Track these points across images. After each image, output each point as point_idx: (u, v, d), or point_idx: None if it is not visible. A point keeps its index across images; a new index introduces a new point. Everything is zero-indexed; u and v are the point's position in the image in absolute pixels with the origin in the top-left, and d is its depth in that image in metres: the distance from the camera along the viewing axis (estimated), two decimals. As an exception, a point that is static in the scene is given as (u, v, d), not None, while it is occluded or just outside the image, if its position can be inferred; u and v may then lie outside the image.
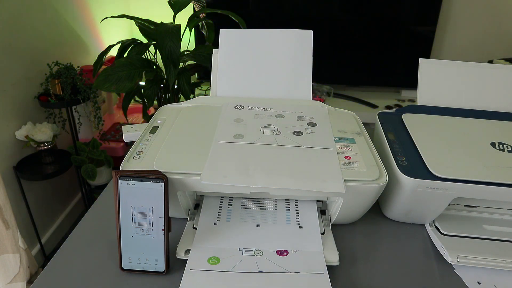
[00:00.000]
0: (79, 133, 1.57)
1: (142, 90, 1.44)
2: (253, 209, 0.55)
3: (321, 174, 0.48)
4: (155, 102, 1.53)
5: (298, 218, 0.53)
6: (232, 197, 0.57)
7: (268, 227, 0.52)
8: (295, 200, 0.56)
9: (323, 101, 1.90)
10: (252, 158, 0.51)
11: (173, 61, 1.30)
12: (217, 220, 0.53)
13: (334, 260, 0.48)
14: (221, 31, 0.72)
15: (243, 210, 0.55)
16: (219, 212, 0.54)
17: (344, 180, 0.48)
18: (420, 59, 0.70)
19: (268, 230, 0.51)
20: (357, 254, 0.53)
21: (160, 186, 0.46)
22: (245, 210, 0.55)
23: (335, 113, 0.66)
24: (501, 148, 0.56)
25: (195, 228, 0.52)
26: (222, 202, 0.56)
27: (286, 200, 0.56)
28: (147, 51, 1.43)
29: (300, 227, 0.52)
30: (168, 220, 0.47)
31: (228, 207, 0.55)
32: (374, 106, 1.94)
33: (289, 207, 0.55)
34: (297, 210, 0.55)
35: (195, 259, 0.47)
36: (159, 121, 0.62)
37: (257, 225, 0.52)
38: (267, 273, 0.45)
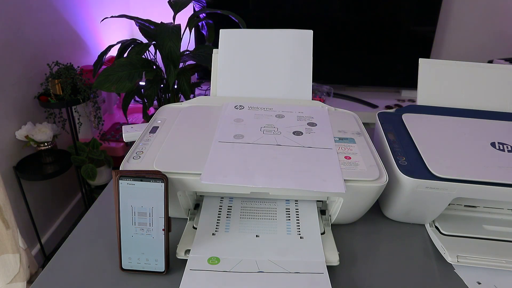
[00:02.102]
0: (79, 133, 1.57)
1: (142, 90, 1.44)
2: (253, 218, 0.53)
3: (321, 174, 0.48)
4: (155, 102, 1.53)
5: (299, 228, 0.52)
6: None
7: (268, 237, 0.50)
8: (296, 208, 0.55)
9: (323, 101, 1.91)
10: (252, 158, 0.51)
11: (173, 61, 1.30)
12: (216, 230, 0.52)
13: (334, 260, 0.48)
14: (221, 31, 0.72)
15: (242, 220, 0.53)
16: (217, 221, 0.53)
17: (344, 180, 0.48)
18: (420, 59, 0.70)
19: (268, 241, 0.50)
20: (357, 254, 0.53)
21: (160, 186, 0.46)
22: (244, 220, 0.53)
23: (335, 113, 0.66)
24: (501, 148, 0.56)
25: (195, 228, 0.52)
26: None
27: (286, 208, 0.55)
28: (147, 51, 1.43)
29: (301, 237, 0.51)
30: (168, 220, 0.47)
31: (227, 217, 0.53)
32: (374, 106, 1.94)
33: (289, 216, 0.54)
34: (298, 219, 0.53)
35: (195, 259, 0.47)
36: (159, 121, 0.62)
37: (256, 236, 0.51)
38: (267, 273, 0.45)
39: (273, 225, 0.52)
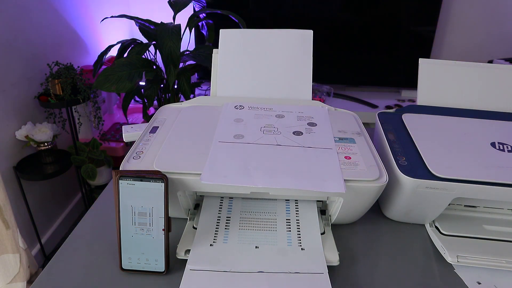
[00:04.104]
0: (79, 133, 1.57)
1: (142, 90, 1.44)
2: (252, 230, 0.52)
3: (321, 174, 0.48)
4: (155, 102, 1.53)
5: (300, 239, 0.51)
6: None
7: (268, 249, 0.49)
8: (297, 219, 0.54)
9: (323, 101, 1.90)
10: (252, 158, 0.51)
11: (173, 61, 1.30)
12: (214, 241, 0.50)
13: (334, 260, 0.48)
14: (221, 31, 0.72)
15: (241, 230, 0.52)
16: (216, 231, 0.51)
17: (344, 180, 0.48)
18: (420, 59, 0.70)
19: (268, 252, 0.48)
20: (357, 254, 0.53)
21: (160, 186, 0.46)
22: (243, 231, 0.52)
23: (335, 113, 0.66)
24: (501, 148, 0.56)
25: (195, 228, 0.52)
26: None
27: (287, 219, 0.54)
28: (147, 51, 1.43)
29: (302, 248, 0.49)
30: (168, 220, 0.47)
31: (226, 228, 0.52)
32: (374, 106, 1.94)
33: (290, 226, 0.52)
34: (298, 228, 0.52)
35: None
36: (159, 121, 0.62)
37: (256, 247, 0.49)
38: (267, 273, 0.45)
39: (273, 236, 0.51)
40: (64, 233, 1.65)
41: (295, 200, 0.57)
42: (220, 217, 0.54)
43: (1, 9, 1.24)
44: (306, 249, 0.49)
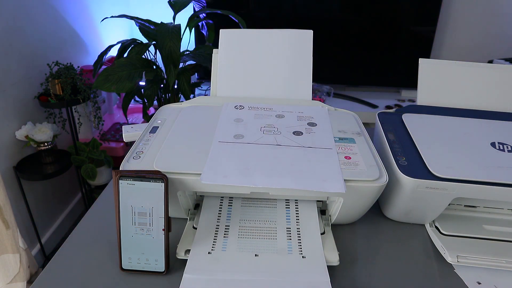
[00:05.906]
0: (79, 133, 1.57)
1: (142, 90, 1.44)
2: (252, 238, 0.51)
3: (321, 174, 0.48)
4: (155, 102, 1.53)
5: (300, 246, 0.50)
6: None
7: (268, 257, 0.48)
8: (297, 228, 0.53)
9: (323, 101, 1.90)
10: (252, 158, 0.51)
11: (173, 61, 1.31)
12: (212, 249, 0.49)
13: (334, 260, 0.48)
14: (221, 31, 0.72)
15: (240, 239, 0.51)
16: (214, 240, 0.50)
17: (344, 180, 0.48)
18: (420, 59, 0.70)
19: (268, 260, 0.47)
20: (357, 254, 0.53)
21: (160, 186, 0.46)
22: (243, 239, 0.51)
23: (335, 113, 0.66)
24: (501, 148, 0.56)
25: (195, 228, 0.52)
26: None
27: (287, 227, 0.52)
28: (147, 51, 1.43)
29: (303, 257, 0.48)
30: (168, 220, 0.47)
31: (225, 236, 0.51)
32: (374, 106, 1.94)
33: (290, 234, 0.51)
34: (299, 235, 0.51)
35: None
36: (159, 121, 0.62)
37: (255, 255, 0.48)
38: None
39: (273, 245, 0.50)
40: (64, 233, 1.65)
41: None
42: (219, 224, 0.53)
43: (1, 9, 1.24)
44: (307, 257, 0.48)
